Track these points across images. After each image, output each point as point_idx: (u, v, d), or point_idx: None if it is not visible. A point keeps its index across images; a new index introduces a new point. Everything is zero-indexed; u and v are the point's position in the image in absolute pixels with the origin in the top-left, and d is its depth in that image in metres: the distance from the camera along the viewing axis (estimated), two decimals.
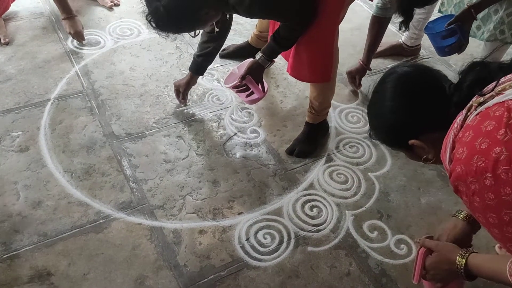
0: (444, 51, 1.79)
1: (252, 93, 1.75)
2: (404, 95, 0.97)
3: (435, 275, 1.15)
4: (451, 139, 0.86)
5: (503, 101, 0.80)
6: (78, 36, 2.26)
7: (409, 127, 0.97)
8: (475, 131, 0.81)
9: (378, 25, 1.98)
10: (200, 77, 2.04)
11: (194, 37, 1.58)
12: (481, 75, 0.89)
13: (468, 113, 0.85)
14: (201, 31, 1.55)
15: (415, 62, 1.00)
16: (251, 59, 1.70)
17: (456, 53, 1.79)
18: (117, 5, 2.60)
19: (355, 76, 2.13)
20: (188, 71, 1.95)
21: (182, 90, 1.98)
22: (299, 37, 1.58)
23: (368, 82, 2.24)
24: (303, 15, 1.52)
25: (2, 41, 2.26)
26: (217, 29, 1.72)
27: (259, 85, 1.73)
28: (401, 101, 0.97)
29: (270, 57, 1.65)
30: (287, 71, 1.76)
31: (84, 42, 2.30)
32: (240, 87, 1.71)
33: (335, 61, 1.71)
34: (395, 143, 1.05)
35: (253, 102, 1.82)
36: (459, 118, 0.86)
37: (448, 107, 0.91)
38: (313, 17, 1.53)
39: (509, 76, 0.84)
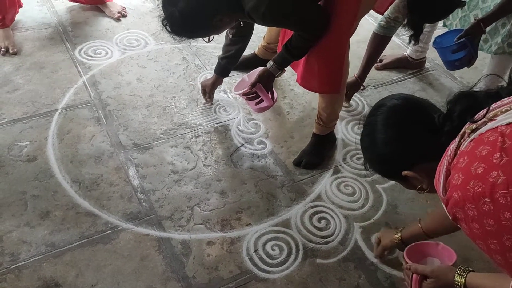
0: (454, 65, 1.80)
1: (261, 101, 1.76)
2: (394, 127, 0.99)
3: None
4: (445, 167, 0.86)
5: (496, 127, 0.80)
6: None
7: (401, 159, 0.99)
8: (470, 156, 0.81)
9: (378, 43, 1.97)
10: None
11: (208, 42, 1.60)
12: (470, 103, 0.90)
13: (462, 140, 0.85)
14: (214, 36, 1.58)
15: (405, 94, 1.03)
16: (262, 67, 1.72)
17: (466, 67, 1.80)
18: (124, 16, 2.62)
19: (348, 91, 2.04)
20: (214, 72, 2.01)
21: (208, 90, 2.06)
22: (311, 47, 1.59)
23: (374, 95, 2.25)
24: (316, 25, 1.53)
25: (10, 51, 2.27)
26: (230, 36, 1.75)
27: (269, 93, 1.74)
28: (392, 133, 0.99)
29: (281, 66, 1.67)
30: (297, 81, 1.77)
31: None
32: (250, 95, 1.73)
33: (345, 73, 1.72)
34: (388, 174, 1.07)
35: (262, 110, 1.83)
36: (452, 146, 0.86)
37: (439, 137, 0.92)
38: (326, 28, 1.54)
39: (499, 103, 0.85)
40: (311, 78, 1.69)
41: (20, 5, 2.45)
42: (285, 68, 1.71)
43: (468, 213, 0.80)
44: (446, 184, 0.86)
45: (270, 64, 1.67)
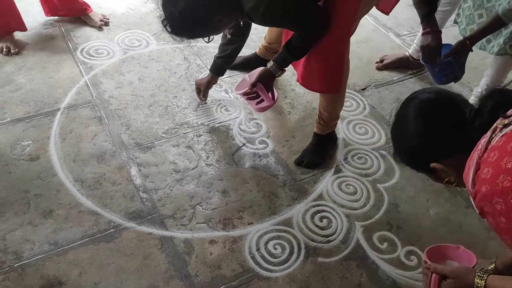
0: (441, 80, 1.83)
1: (262, 100, 1.76)
2: (426, 120, 0.99)
3: None
4: (475, 161, 0.87)
5: None
6: None
7: (431, 151, 0.99)
8: (501, 151, 0.81)
9: None
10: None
11: (208, 42, 1.61)
12: (502, 99, 0.91)
13: (493, 135, 0.86)
14: (214, 36, 1.59)
15: (437, 87, 1.04)
16: (263, 67, 1.72)
17: (453, 82, 1.83)
18: (106, 24, 2.55)
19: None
20: (209, 71, 2.01)
21: (203, 89, 2.06)
22: (311, 47, 1.60)
23: (375, 95, 2.26)
24: (316, 26, 1.54)
25: (12, 51, 2.28)
26: (228, 36, 1.76)
27: (269, 93, 1.75)
28: (423, 126, 0.99)
29: (281, 66, 1.67)
30: (297, 80, 1.78)
31: None
32: (251, 94, 1.74)
33: (346, 73, 1.73)
34: (417, 166, 1.07)
35: (262, 110, 1.84)
36: (484, 140, 0.87)
37: (469, 132, 0.93)
38: (326, 28, 1.55)
39: None
40: (312, 78, 1.70)
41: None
42: (286, 68, 1.72)
43: (496, 207, 0.80)
44: (475, 177, 0.86)
45: (270, 64, 1.68)
